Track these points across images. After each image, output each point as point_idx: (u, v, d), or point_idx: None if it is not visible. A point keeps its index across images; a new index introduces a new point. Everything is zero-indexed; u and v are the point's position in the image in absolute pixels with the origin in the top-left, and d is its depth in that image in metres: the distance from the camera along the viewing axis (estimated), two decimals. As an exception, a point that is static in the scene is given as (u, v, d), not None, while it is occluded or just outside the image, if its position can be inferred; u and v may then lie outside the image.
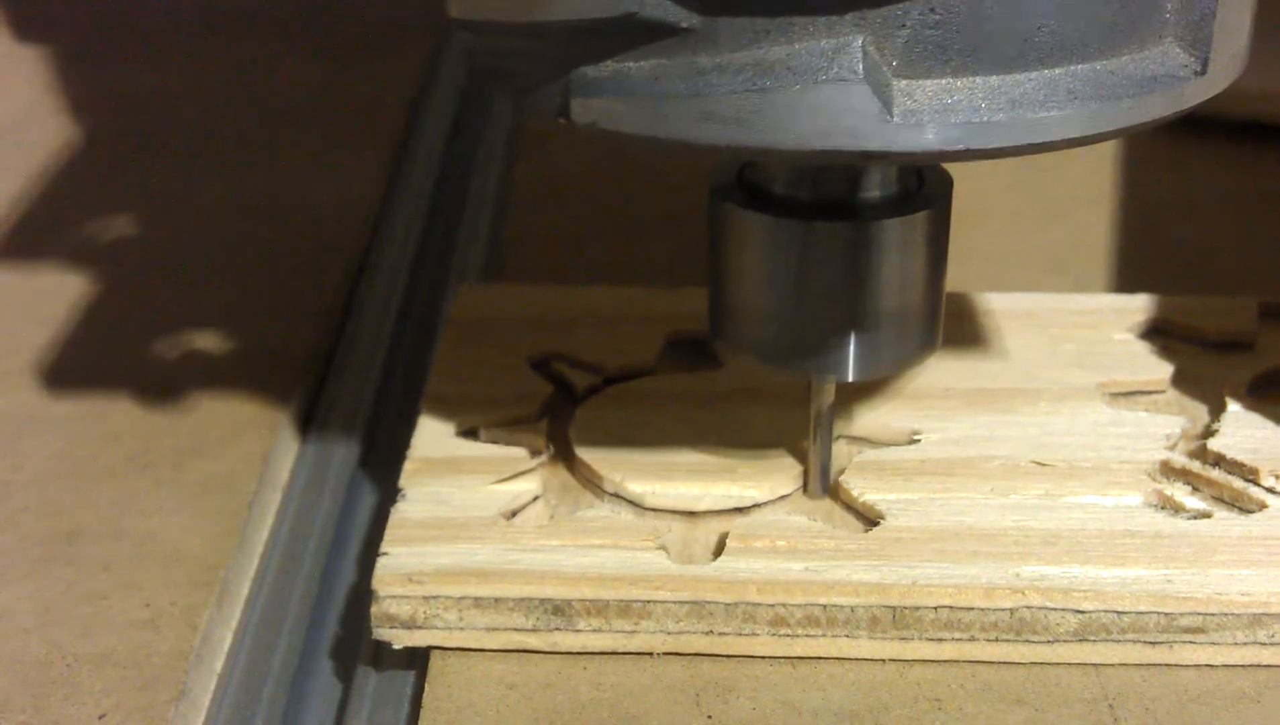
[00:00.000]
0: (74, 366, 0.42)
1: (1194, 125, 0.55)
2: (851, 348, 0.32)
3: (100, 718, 0.31)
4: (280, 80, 0.61)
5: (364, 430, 0.42)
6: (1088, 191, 0.52)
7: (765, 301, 0.32)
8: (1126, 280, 0.46)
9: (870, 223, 0.31)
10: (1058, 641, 0.31)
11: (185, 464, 0.38)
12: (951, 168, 0.32)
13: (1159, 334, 0.40)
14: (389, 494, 0.35)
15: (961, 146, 0.26)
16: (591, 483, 0.35)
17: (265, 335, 0.44)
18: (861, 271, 0.31)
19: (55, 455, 0.39)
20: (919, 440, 0.36)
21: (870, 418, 0.37)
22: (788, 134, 0.26)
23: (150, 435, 0.39)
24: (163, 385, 0.41)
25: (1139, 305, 0.41)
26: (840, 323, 0.32)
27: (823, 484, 0.35)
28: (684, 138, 0.26)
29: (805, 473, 0.35)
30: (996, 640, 0.31)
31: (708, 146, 0.26)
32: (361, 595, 0.34)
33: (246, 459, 0.38)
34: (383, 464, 0.40)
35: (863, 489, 0.34)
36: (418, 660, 0.33)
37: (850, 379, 0.32)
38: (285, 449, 0.40)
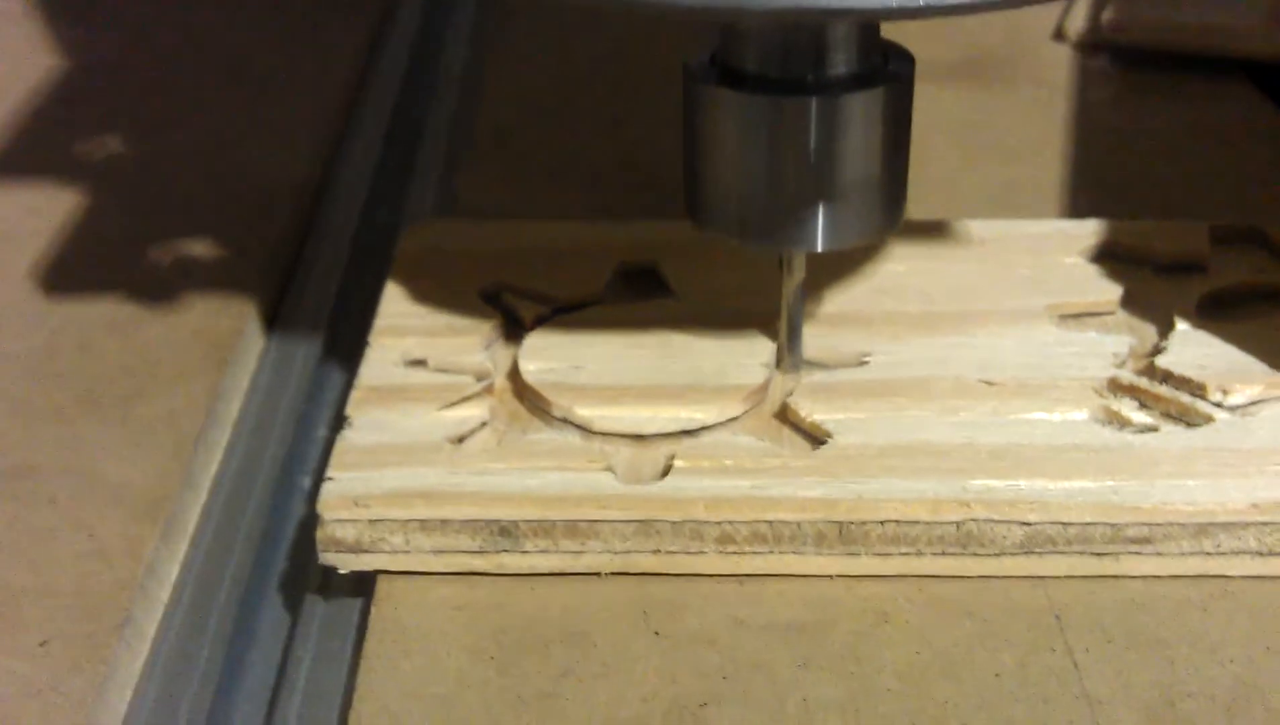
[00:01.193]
0: (22, 306, 0.42)
1: (1144, 60, 0.55)
2: (820, 219, 0.33)
3: (42, 644, 0.30)
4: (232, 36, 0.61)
5: (314, 369, 0.42)
6: (1040, 129, 0.51)
7: (738, 177, 0.33)
8: (1079, 213, 0.46)
9: (836, 97, 0.32)
10: (1004, 554, 0.31)
11: (132, 403, 0.38)
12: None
13: (1109, 257, 0.40)
14: (339, 430, 0.35)
15: (921, 3, 0.27)
16: (540, 409, 0.35)
17: (214, 277, 0.43)
18: (828, 145, 0.32)
19: (1, 395, 0.38)
20: (868, 362, 0.36)
21: (819, 341, 0.36)
22: None
23: (98, 375, 0.39)
24: (111, 326, 0.41)
25: (1089, 230, 0.41)
26: (809, 195, 0.33)
27: (795, 361, 0.36)
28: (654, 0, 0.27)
29: (764, 391, 0.35)
30: (943, 554, 0.31)
31: (681, 9, 0.27)
32: (310, 528, 0.33)
33: (193, 398, 0.38)
34: (334, 402, 0.40)
35: (811, 410, 0.34)
36: (365, 587, 0.33)
37: (820, 249, 0.33)
38: (234, 387, 0.40)
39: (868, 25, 0.32)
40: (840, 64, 0.32)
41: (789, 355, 0.36)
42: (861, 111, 0.32)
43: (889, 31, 0.34)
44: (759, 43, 0.32)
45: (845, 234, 0.33)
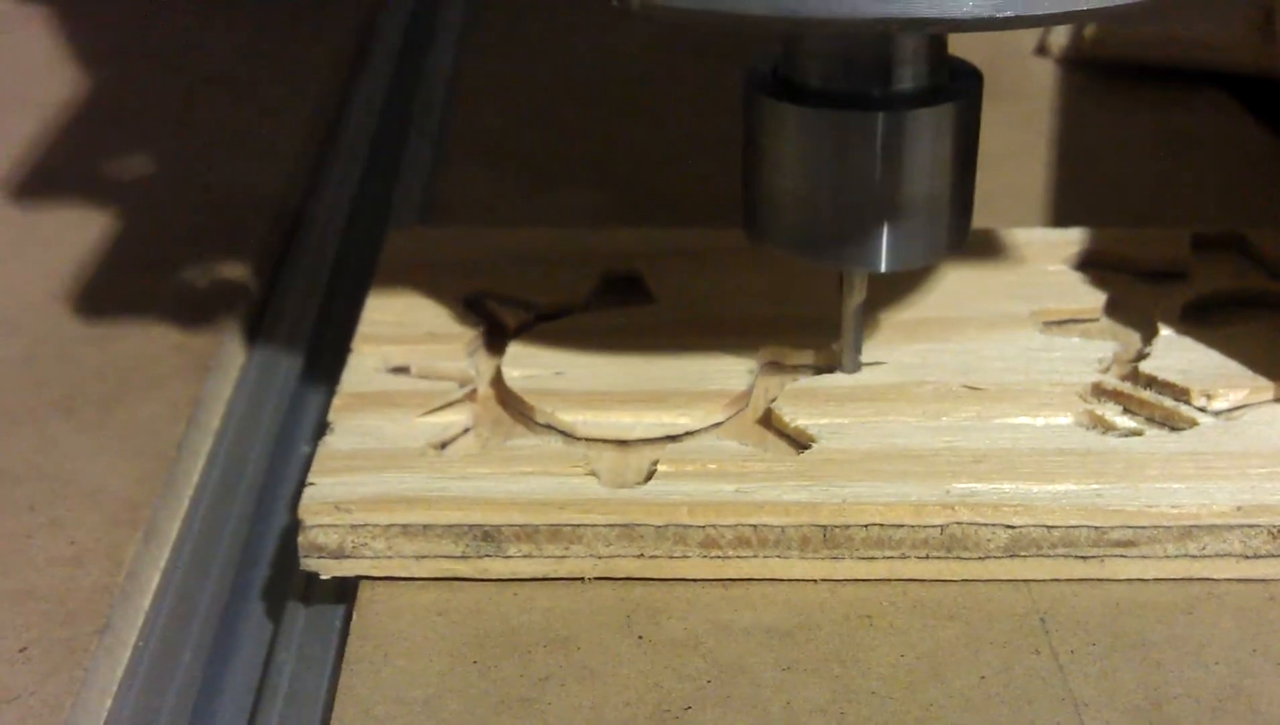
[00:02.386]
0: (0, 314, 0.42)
1: (1126, 72, 0.55)
2: (884, 238, 0.32)
3: (21, 650, 0.30)
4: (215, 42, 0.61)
5: (297, 377, 0.42)
6: (1023, 140, 0.52)
7: (800, 193, 0.32)
8: (1063, 222, 0.46)
9: (902, 113, 0.31)
10: (989, 558, 0.31)
11: (111, 410, 0.38)
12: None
13: (1092, 265, 0.40)
14: (321, 436, 0.35)
15: (1010, 13, 0.26)
16: (523, 415, 0.35)
17: (195, 286, 0.43)
18: (893, 162, 0.31)
19: (-21, 402, 0.38)
20: (860, 367, 0.36)
21: (809, 346, 0.36)
22: (839, 3, 0.26)
23: (76, 382, 0.39)
24: (89, 335, 0.41)
25: (1072, 238, 0.41)
26: (873, 213, 0.32)
27: (853, 365, 0.35)
28: (737, 10, 0.27)
29: (747, 397, 0.35)
30: (928, 558, 0.31)
31: (760, 18, 0.27)
32: (292, 536, 0.33)
33: (173, 404, 0.38)
34: (317, 409, 0.40)
35: (794, 415, 0.34)
36: (347, 593, 0.33)
37: (883, 269, 0.33)
38: (215, 395, 0.40)
39: (934, 38, 0.32)
40: (907, 79, 0.32)
41: (851, 371, 0.35)
42: (928, 128, 0.31)
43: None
44: (823, 55, 0.32)
45: (910, 254, 0.33)
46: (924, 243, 0.33)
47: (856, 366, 0.35)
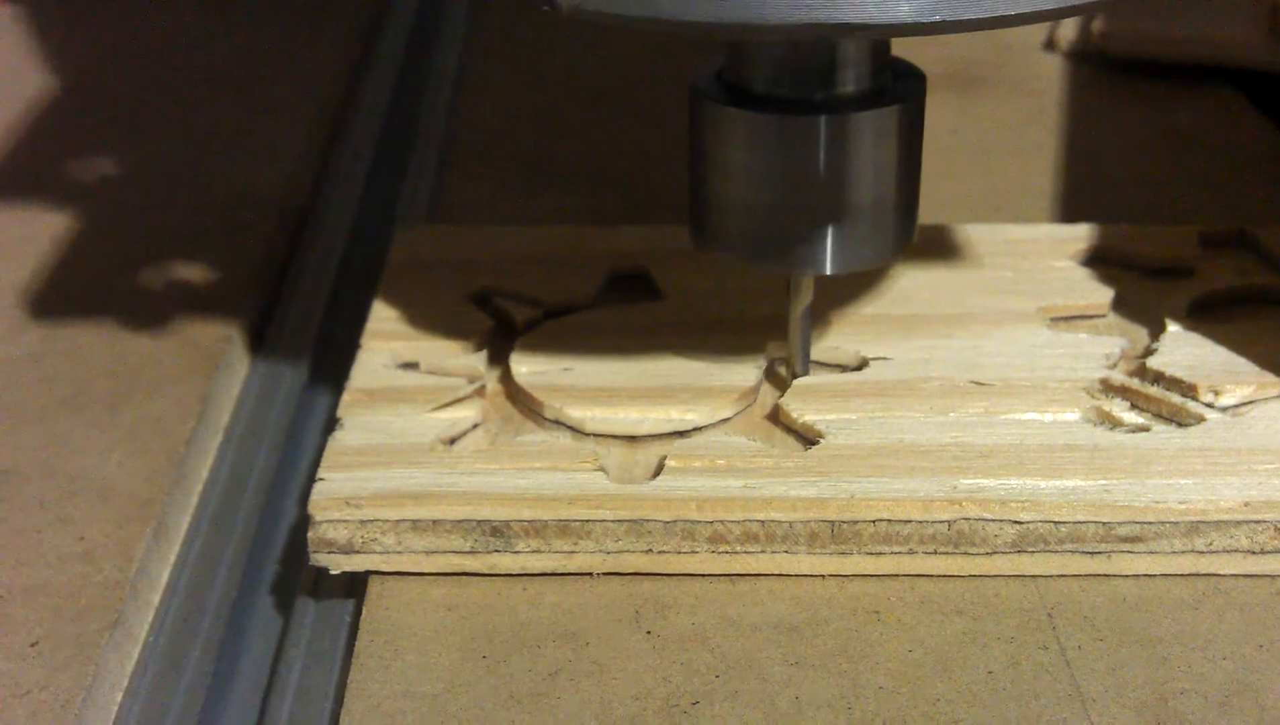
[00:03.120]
0: (9, 313, 0.42)
1: (1133, 68, 0.55)
2: (830, 241, 0.32)
3: (32, 645, 0.30)
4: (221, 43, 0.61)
5: (305, 374, 0.42)
6: (1031, 136, 0.52)
7: (745, 197, 0.32)
8: (1070, 218, 0.46)
9: (845, 116, 0.31)
10: (996, 553, 0.31)
11: (120, 407, 0.38)
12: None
13: (1099, 262, 0.40)
14: (331, 432, 0.35)
15: (936, 18, 0.26)
16: (532, 411, 0.35)
17: (204, 285, 0.43)
18: (837, 165, 0.32)
19: (-11, 399, 0.38)
20: (868, 364, 0.36)
21: (817, 342, 0.36)
22: (769, 8, 0.26)
23: (85, 379, 0.39)
24: (99, 332, 0.41)
25: (1079, 234, 0.41)
26: (818, 216, 0.32)
27: (803, 367, 0.35)
28: (668, 16, 0.27)
29: (754, 392, 0.35)
30: (935, 553, 0.31)
31: (691, 24, 0.27)
32: (301, 532, 0.33)
33: (182, 401, 0.38)
34: (326, 406, 0.40)
35: (802, 410, 0.34)
36: (356, 588, 0.33)
37: (829, 272, 0.33)
38: (224, 392, 0.40)
39: (878, 42, 0.32)
40: (850, 82, 0.32)
41: (800, 374, 0.35)
42: (871, 130, 0.32)
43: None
44: (767, 60, 0.32)
45: (855, 256, 0.33)
46: (870, 245, 0.33)
47: (806, 369, 0.35)
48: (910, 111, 0.32)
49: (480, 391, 0.36)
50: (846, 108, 0.31)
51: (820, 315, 0.37)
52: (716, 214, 0.33)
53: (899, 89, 0.32)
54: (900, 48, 0.34)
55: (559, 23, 0.28)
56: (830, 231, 0.32)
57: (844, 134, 0.31)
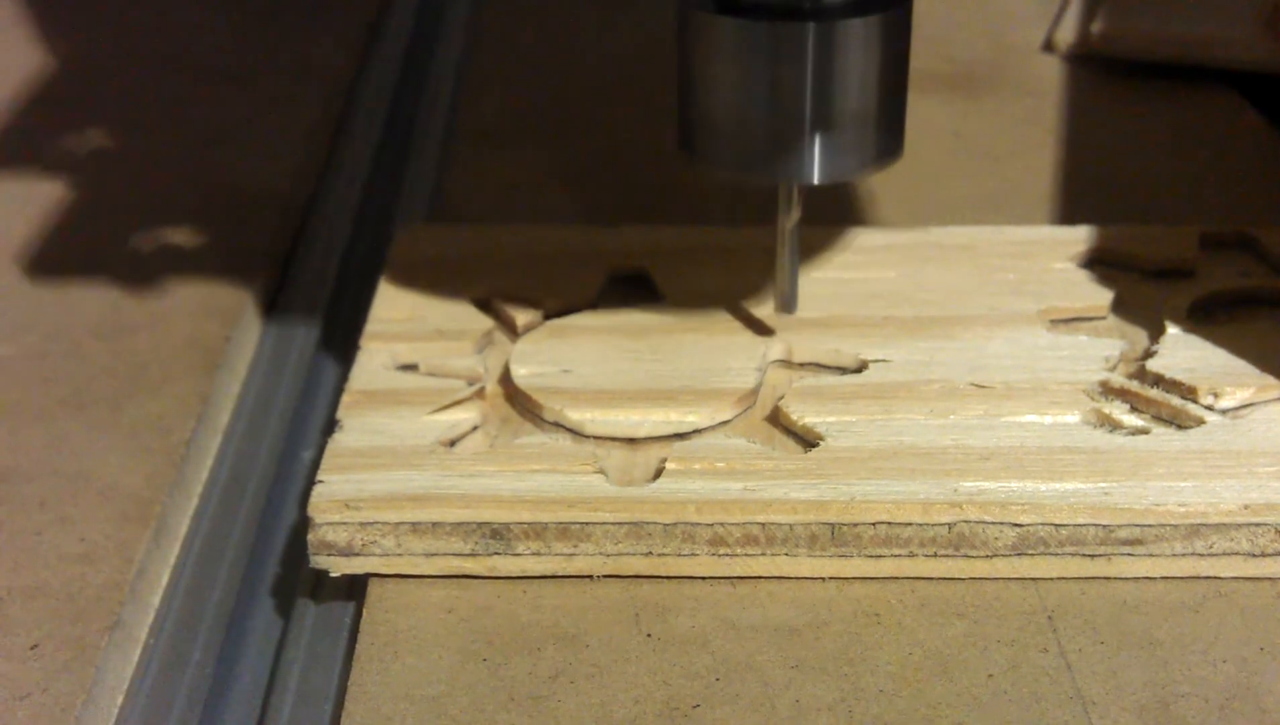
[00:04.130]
0: (9, 312, 0.42)
1: (1133, 69, 0.55)
2: (817, 149, 0.33)
3: (32, 647, 0.30)
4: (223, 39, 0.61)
5: (306, 374, 0.42)
6: (1030, 137, 0.52)
7: (731, 106, 0.33)
8: (1069, 219, 0.46)
9: (832, 23, 0.32)
10: (996, 556, 0.31)
11: (121, 406, 0.38)
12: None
13: (1099, 263, 0.40)
14: (330, 434, 0.35)
15: None
16: (532, 413, 0.35)
17: (204, 284, 0.43)
18: (823, 73, 0.32)
19: (-10, 399, 0.38)
20: (868, 366, 0.36)
21: (817, 344, 0.36)
22: None
23: (86, 378, 0.39)
24: (99, 332, 0.41)
25: (1078, 236, 0.41)
26: (804, 124, 0.32)
27: (790, 303, 0.35)
28: None
29: (754, 395, 0.35)
30: (935, 556, 0.31)
31: None
32: (301, 533, 0.33)
33: (182, 401, 0.38)
34: (326, 407, 0.40)
35: (802, 413, 0.34)
36: (356, 590, 0.33)
37: (815, 181, 0.33)
38: (225, 392, 0.40)
39: None
40: None
41: (786, 296, 0.35)
42: (858, 39, 0.32)
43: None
44: None
45: (841, 166, 0.33)
46: (855, 155, 0.33)
47: (794, 299, 0.36)
48: (897, 21, 0.33)
49: (480, 393, 0.36)
50: (834, 16, 0.32)
51: (821, 317, 0.37)
52: (705, 127, 0.34)
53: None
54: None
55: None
56: (818, 140, 0.33)
57: (831, 42, 0.32)
